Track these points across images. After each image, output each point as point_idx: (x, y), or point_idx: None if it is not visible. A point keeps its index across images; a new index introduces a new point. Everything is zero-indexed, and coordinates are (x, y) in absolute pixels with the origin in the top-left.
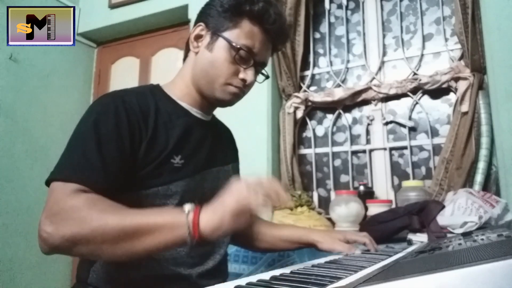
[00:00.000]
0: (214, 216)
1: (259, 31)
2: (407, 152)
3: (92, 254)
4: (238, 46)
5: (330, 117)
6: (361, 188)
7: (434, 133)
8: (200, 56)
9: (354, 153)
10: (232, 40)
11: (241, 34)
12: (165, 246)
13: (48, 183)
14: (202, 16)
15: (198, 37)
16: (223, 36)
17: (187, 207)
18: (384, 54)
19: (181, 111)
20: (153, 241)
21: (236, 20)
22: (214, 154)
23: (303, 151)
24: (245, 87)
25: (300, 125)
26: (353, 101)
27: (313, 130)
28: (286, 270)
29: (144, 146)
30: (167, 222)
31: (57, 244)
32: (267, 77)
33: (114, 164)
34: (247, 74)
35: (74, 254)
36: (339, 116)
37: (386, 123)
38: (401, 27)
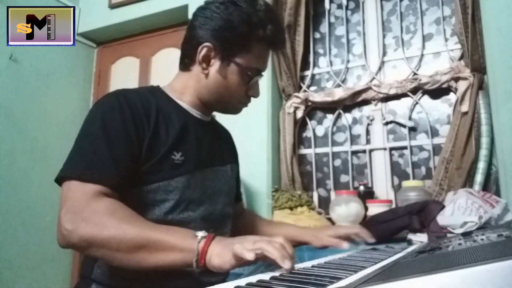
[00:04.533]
0: (219, 257)
1: (268, 50)
2: (407, 152)
3: (105, 258)
4: (251, 73)
5: (330, 117)
6: (361, 188)
7: (434, 133)
8: (212, 80)
9: (354, 153)
10: (245, 66)
11: (252, 58)
12: (174, 264)
13: (59, 180)
14: (206, 34)
15: (206, 59)
16: (235, 62)
17: (200, 233)
18: (384, 54)
19: (180, 110)
20: (163, 259)
21: (248, 45)
22: (213, 153)
23: (303, 151)
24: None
25: (300, 125)
26: (353, 101)
27: (313, 130)
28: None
29: (146, 143)
30: (178, 243)
31: (74, 242)
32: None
33: (125, 161)
34: (255, 91)
35: (88, 254)
36: (339, 116)
37: (386, 123)
38: (401, 27)
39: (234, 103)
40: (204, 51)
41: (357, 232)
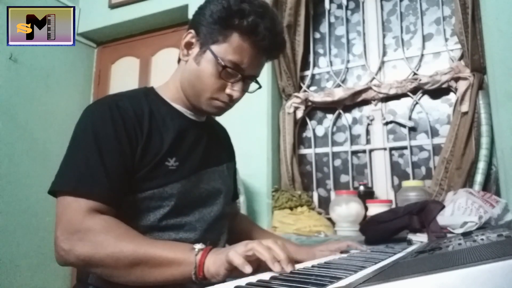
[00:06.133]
0: (214, 264)
1: (249, 46)
2: (407, 152)
3: (103, 275)
4: (224, 64)
5: (330, 117)
6: (361, 188)
7: (434, 133)
8: (188, 67)
9: (354, 153)
10: (219, 56)
11: (229, 49)
12: (173, 279)
13: (53, 192)
14: (194, 22)
15: (189, 45)
16: (210, 50)
17: (198, 246)
18: (384, 54)
19: (175, 113)
20: (162, 274)
21: (225, 33)
22: (208, 154)
23: (303, 151)
24: (231, 101)
25: (300, 125)
26: (353, 101)
27: (313, 130)
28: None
29: (140, 150)
30: (176, 258)
31: (72, 262)
32: (259, 87)
33: (118, 172)
34: (234, 90)
35: (87, 271)
36: (339, 116)
37: (386, 123)
38: (401, 27)
39: (208, 97)
40: (188, 37)
41: (349, 244)
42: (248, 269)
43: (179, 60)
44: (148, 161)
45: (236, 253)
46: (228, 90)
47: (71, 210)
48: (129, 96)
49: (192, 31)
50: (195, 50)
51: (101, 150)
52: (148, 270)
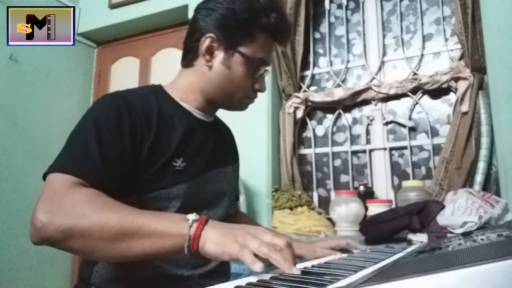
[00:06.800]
0: (217, 246)
1: (271, 41)
2: (407, 152)
3: (84, 250)
4: (256, 63)
5: (330, 117)
6: (361, 188)
7: (434, 133)
8: (216, 72)
9: (354, 153)
10: (250, 56)
11: (257, 47)
12: (163, 252)
13: (45, 177)
14: (209, 25)
15: (209, 49)
16: (240, 52)
17: (191, 217)
18: (384, 54)
19: (183, 112)
20: (151, 246)
21: (252, 33)
22: (215, 155)
23: (303, 151)
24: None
25: (300, 125)
26: (353, 101)
27: (313, 130)
28: None
29: (147, 149)
30: (167, 228)
31: (49, 235)
32: (268, 72)
33: (114, 162)
34: (261, 85)
35: (65, 247)
36: (339, 116)
37: (386, 123)
38: (401, 27)
39: (240, 97)
40: (207, 42)
41: (349, 242)
42: (259, 266)
43: (183, 60)
44: (155, 161)
45: (251, 256)
46: (257, 86)
47: (57, 183)
48: (139, 94)
49: (212, 35)
50: (220, 54)
51: (100, 136)
52: (135, 242)
